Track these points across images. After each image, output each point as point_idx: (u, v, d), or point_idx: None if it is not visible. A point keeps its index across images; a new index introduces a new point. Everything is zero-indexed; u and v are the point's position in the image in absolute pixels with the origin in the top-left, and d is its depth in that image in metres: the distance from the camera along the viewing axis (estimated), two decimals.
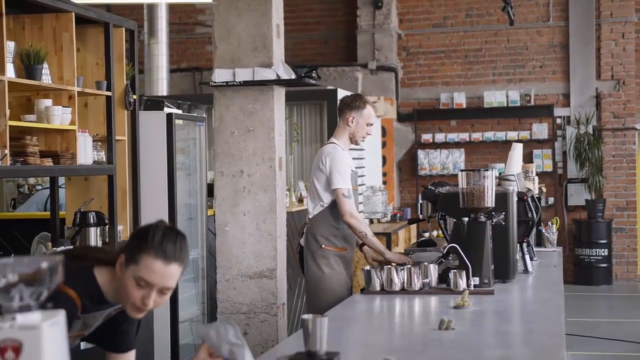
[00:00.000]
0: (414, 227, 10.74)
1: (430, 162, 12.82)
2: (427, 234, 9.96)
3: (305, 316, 2.70)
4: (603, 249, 12.13)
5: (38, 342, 1.72)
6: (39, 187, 8.25)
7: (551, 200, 12.46)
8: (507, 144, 11.45)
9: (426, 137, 12.84)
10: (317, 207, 5.21)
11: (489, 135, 12.65)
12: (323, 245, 5.17)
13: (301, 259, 5.40)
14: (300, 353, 2.73)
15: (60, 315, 1.79)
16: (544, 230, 6.33)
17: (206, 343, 2.45)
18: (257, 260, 5.59)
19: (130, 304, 2.62)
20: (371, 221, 10.05)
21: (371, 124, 5.31)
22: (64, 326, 1.81)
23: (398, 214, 10.59)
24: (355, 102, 5.28)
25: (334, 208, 5.15)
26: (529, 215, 4.94)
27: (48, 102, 5.04)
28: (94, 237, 5.39)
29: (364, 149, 10.29)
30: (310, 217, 5.28)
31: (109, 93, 5.59)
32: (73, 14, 5.18)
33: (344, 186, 5.07)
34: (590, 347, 8.33)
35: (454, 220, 4.51)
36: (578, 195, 12.49)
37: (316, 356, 2.69)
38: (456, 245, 4.27)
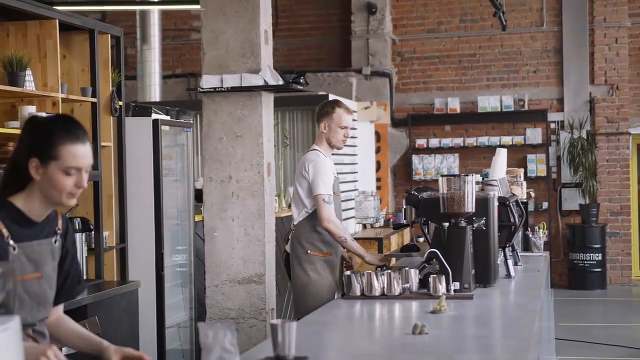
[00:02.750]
0: (407, 232, 10.75)
1: (425, 167, 12.83)
2: (421, 239, 9.96)
3: (273, 321, 2.72)
4: (597, 254, 12.13)
5: None
6: None
7: (545, 205, 12.47)
8: None
9: (420, 142, 12.85)
10: (302, 214, 5.28)
11: (483, 140, 12.66)
12: (309, 251, 5.23)
13: (287, 265, 5.44)
14: (269, 358, 2.75)
15: (14, 321, 1.81)
16: (530, 235, 6.33)
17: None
18: (245, 266, 5.60)
19: (66, 194, 2.69)
20: (364, 226, 10.06)
21: (345, 127, 5.34)
22: (18, 332, 1.82)
23: (391, 219, 10.60)
24: (324, 108, 5.38)
25: None
26: (512, 220, 4.94)
27: (32, 108, 5.06)
28: (80, 243, 5.40)
29: (356, 154, 10.32)
30: (295, 223, 5.35)
31: (94, 99, 5.61)
32: (57, 21, 5.20)
33: (325, 192, 5.16)
34: (582, 351, 8.34)
35: (435, 225, 4.52)
36: (572, 200, 12.50)
37: None
38: (436, 250, 4.28)
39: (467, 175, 4.38)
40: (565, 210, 12.63)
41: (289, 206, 8.43)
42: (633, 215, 12.66)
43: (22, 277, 2.63)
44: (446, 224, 4.35)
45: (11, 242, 2.64)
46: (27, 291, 2.68)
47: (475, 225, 4.44)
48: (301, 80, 5.80)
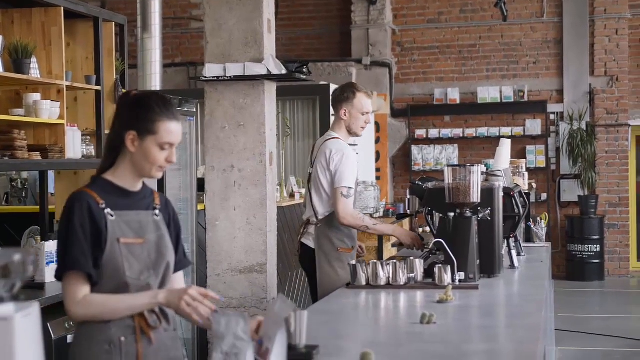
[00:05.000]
0: (407, 222, 10.76)
1: (424, 157, 12.84)
2: (421, 229, 9.96)
3: None
4: (595, 245, 12.16)
5: (10, 334, 1.74)
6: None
7: (544, 196, 12.49)
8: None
9: (420, 132, 12.86)
10: (329, 207, 5.08)
11: (483, 131, 12.67)
12: (339, 248, 5.08)
13: (302, 259, 5.31)
14: None
15: (35, 307, 1.81)
16: (532, 226, 6.34)
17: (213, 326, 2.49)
18: (247, 255, 5.60)
19: (156, 167, 2.86)
20: None
21: (366, 112, 5.14)
22: (38, 318, 1.83)
23: (391, 210, 10.60)
24: (344, 93, 5.16)
25: None
26: (516, 210, 4.94)
27: (36, 96, 5.05)
28: None
29: (356, 144, 10.31)
30: (319, 217, 5.13)
31: (98, 87, 5.60)
32: (62, 8, 5.19)
33: (346, 185, 4.96)
34: (581, 342, 8.37)
35: (440, 215, 4.52)
36: (571, 191, 12.52)
37: (295, 349, 2.72)
38: (441, 240, 4.28)
39: (473, 166, 4.38)
40: (564, 202, 12.65)
41: (291, 196, 8.43)
42: (631, 207, 12.68)
43: (124, 239, 2.79)
44: (451, 214, 4.36)
45: (108, 209, 2.80)
46: (132, 254, 2.82)
47: (480, 215, 4.44)
48: (304, 70, 5.79)
